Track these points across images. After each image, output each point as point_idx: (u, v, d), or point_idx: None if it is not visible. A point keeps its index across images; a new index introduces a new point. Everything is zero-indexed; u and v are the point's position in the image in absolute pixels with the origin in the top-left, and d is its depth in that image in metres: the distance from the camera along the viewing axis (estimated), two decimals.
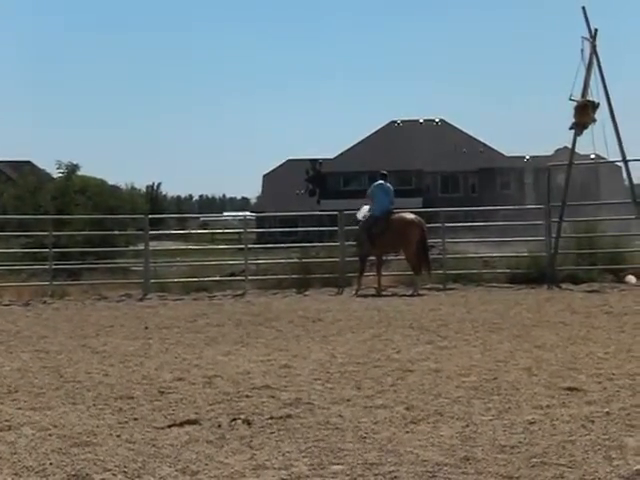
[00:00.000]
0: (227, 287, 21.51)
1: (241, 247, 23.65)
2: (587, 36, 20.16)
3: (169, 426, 7.51)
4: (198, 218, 74.89)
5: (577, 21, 20.28)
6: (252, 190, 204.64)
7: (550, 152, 68.47)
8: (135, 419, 7.83)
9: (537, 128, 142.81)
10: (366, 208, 20.69)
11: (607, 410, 7.65)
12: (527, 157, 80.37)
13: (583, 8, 20.11)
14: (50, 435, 7.32)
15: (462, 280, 21.03)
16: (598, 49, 20.17)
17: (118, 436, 7.25)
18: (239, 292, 20.75)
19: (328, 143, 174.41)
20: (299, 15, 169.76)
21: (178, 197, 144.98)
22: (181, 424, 7.54)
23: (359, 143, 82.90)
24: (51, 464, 6.48)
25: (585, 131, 20.31)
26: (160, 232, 29.49)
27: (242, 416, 7.73)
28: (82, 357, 11.52)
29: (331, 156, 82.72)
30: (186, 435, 7.21)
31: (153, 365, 10.68)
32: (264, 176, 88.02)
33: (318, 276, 21.61)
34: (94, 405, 8.44)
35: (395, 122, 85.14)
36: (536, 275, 20.55)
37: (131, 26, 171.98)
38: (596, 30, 20.16)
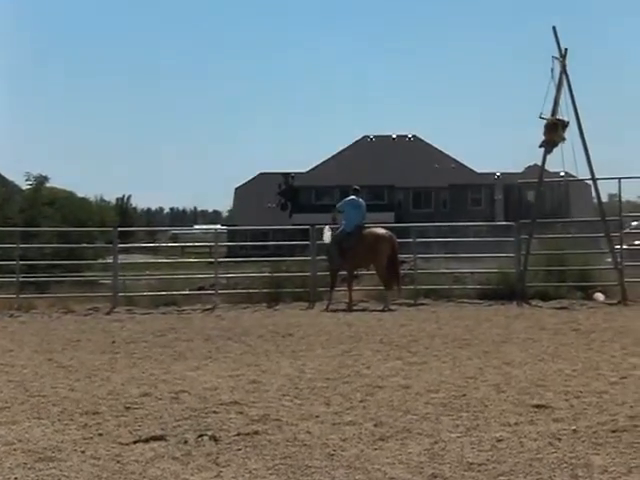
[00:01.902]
0: (197, 301, 21.39)
1: (211, 261, 23.56)
2: (557, 55, 20.29)
3: (134, 442, 7.45)
4: (168, 231, 74.58)
5: (547, 40, 20.43)
6: (224, 203, 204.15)
7: (520, 169, 68.90)
8: (100, 435, 7.77)
9: (508, 145, 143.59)
10: (328, 234, 20.69)
11: (574, 428, 7.68)
12: (498, 174, 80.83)
13: (554, 28, 20.27)
14: (15, 450, 7.27)
15: (433, 296, 21.04)
16: (568, 68, 20.31)
17: (83, 452, 7.19)
18: (209, 306, 20.64)
19: (301, 157, 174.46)
20: (271, 28, 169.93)
21: (148, 209, 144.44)
22: (147, 440, 7.49)
23: (332, 157, 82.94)
24: (16, 479, 6.43)
25: (555, 149, 20.42)
26: (129, 245, 29.33)
27: (209, 432, 7.69)
28: (48, 371, 11.42)
29: (303, 170, 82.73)
30: (151, 451, 7.15)
31: (120, 380, 10.60)
32: (236, 189, 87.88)
33: (289, 290, 21.55)
34: (59, 420, 8.38)
35: (368, 137, 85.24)
36: (506, 291, 20.58)
37: (97, 39, 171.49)
38: (566, 50, 20.30)
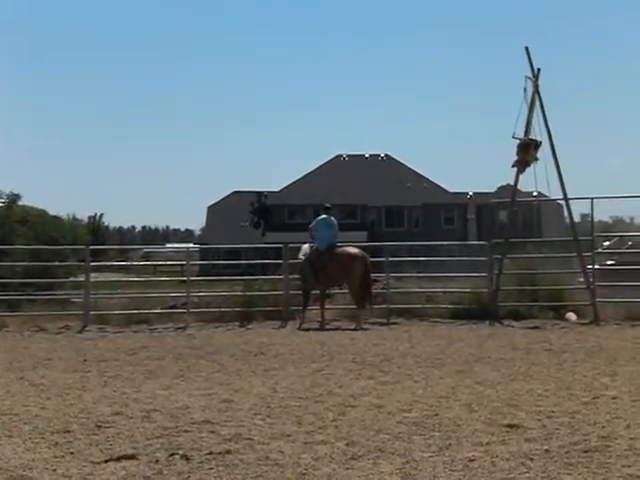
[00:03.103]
0: (168, 320, 21.37)
1: (183, 279, 23.55)
2: (530, 75, 20.40)
3: (106, 461, 7.41)
4: (140, 249, 74.30)
5: (520, 60, 20.52)
6: (196, 222, 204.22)
7: (493, 189, 69.30)
8: (71, 453, 7.73)
9: (480, 165, 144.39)
10: (306, 247, 20.72)
11: (546, 448, 7.67)
12: (470, 193, 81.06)
13: (526, 48, 20.36)
14: None
15: (406, 315, 21.08)
16: (540, 88, 20.42)
17: (54, 470, 7.15)
18: (181, 325, 20.62)
19: (274, 176, 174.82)
20: (244, 49, 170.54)
21: (120, 228, 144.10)
22: (118, 459, 7.44)
23: (305, 176, 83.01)
24: None
25: (527, 169, 20.50)
26: (101, 263, 29.20)
27: (180, 451, 7.66)
28: (19, 389, 11.36)
29: (277, 189, 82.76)
30: (123, 470, 7.11)
31: (91, 399, 10.55)
32: (209, 208, 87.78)
33: (261, 309, 21.55)
34: (30, 439, 8.32)
35: (341, 156, 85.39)
36: (478, 311, 20.64)
37: (70, 55, 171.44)
38: (539, 70, 20.42)
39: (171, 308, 22.57)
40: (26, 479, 6.90)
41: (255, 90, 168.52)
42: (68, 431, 8.61)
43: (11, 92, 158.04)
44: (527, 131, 20.43)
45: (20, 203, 37.09)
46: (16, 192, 37.08)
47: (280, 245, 22.75)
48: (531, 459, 7.31)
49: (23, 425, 8.94)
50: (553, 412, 9.28)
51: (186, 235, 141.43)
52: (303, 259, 20.57)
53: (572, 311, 20.69)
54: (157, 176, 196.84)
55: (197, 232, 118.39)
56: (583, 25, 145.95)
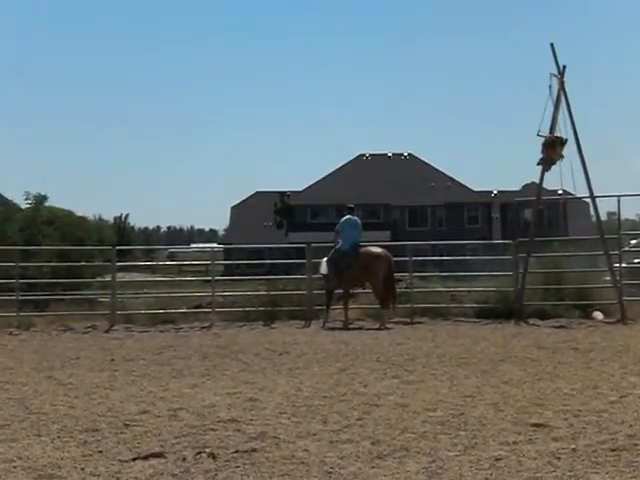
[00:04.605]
0: (194, 319, 21.44)
1: (208, 279, 23.62)
2: (555, 72, 20.28)
3: (134, 459, 7.45)
4: (165, 250, 74.62)
5: (546, 57, 20.42)
6: (220, 222, 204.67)
7: (518, 187, 68.95)
8: (100, 452, 7.77)
9: (505, 163, 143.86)
10: (325, 262, 20.61)
11: (573, 447, 7.64)
12: (495, 192, 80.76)
13: (552, 45, 20.24)
14: (15, 467, 7.26)
15: (429, 314, 21.03)
16: (566, 85, 20.29)
17: (82, 469, 7.19)
18: (206, 324, 20.68)
19: (297, 176, 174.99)
20: (266, 48, 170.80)
21: (146, 228, 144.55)
22: (146, 457, 7.48)
23: (327, 176, 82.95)
24: None
25: (553, 167, 20.38)
26: (127, 263, 29.36)
27: (207, 450, 7.68)
28: (47, 389, 11.43)
29: (299, 189, 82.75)
30: (151, 468, 7.15)
31: (118, 397, 10.60)
32: (232, 208, 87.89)
33: (285, 309, 21.57)
34: (59, 437, 8.37)
35: (363, 155, 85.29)
36: (503, 310, 20.55)
37: (95, 50, 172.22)
38: (564, 67, 20.29)
39: (196, 307, 22.64)
40: (55, 477, 6.95)
41: (277, 91, 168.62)
42: (96, 430, 8.66)
43: (38, 92, 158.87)
44: (552, 128, 20.28)
45: (47, 204, 37.28)
46: (43, 193, 37.30)
47: (303, 245, 22.76)
48: (558, 458, 7.29)
49: (52, 424, 9.00)
50: (580, 411, 9.24)
51: (210, 235, 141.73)
52: (325, 272, 20.48)
53: (599, 310, 20.58)
54: (182, 177, 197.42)
55: (221, 232, 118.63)
56: (606, 21, 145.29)
